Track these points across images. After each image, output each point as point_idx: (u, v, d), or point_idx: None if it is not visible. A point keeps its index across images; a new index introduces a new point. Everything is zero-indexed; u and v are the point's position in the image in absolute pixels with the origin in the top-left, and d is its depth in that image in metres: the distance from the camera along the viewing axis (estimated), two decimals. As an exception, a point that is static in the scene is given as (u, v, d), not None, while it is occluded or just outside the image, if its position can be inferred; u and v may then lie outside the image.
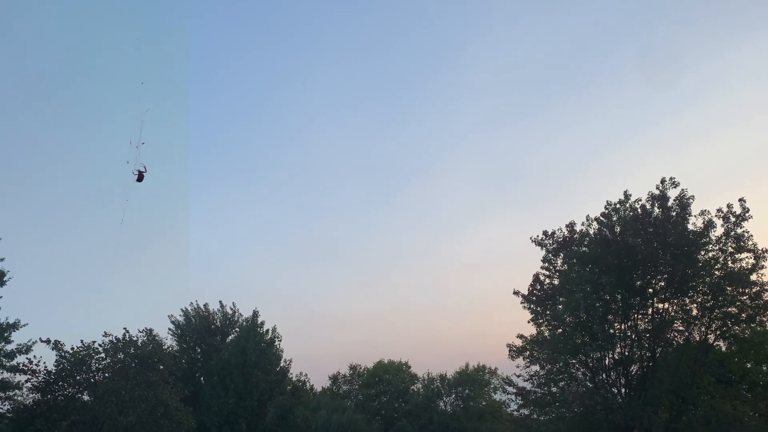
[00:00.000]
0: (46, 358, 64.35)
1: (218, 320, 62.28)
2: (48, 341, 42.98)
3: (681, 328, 36.87)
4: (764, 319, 35.27)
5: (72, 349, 43.84)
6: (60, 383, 42.96)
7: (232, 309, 62.89)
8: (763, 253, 34.77)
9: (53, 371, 42.76)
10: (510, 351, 41.14)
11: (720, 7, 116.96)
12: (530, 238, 39.80)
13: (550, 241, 39.24)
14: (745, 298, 35.09)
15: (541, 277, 39.86)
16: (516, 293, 40.35)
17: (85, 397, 43.71)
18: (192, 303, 62.11)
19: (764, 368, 41.98)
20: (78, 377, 43.58)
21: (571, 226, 38.60)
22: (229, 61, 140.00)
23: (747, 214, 35.07)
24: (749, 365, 41.84)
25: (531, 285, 39.98)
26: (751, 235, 35.01)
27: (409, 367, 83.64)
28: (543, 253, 39.61)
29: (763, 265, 34.78)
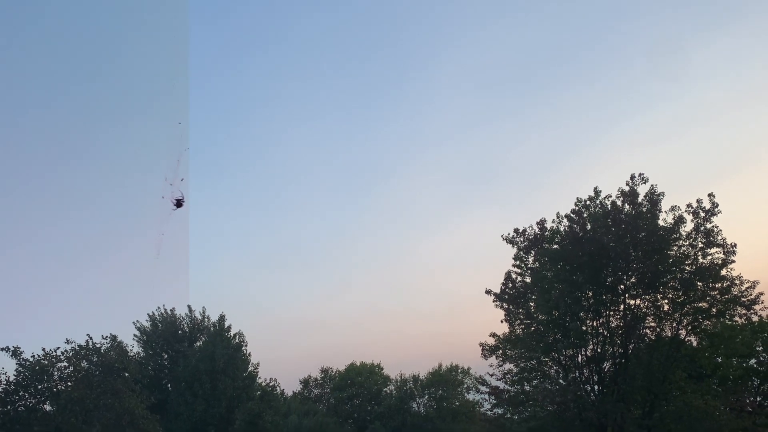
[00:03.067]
0: (6, 368, 62.33)
1: (185, 325, 61.02)
2: (6, 349, 41.45)
3: (653, 324, 37.00)
4: (734, 313, 35.50)
5: (33, 357, 42.38)
6: (20, 393, 41.41)
7: (201, 314, 61.70)
8: (732, 247, 34.95)
9: (13, 381, 41.24)
10: (483, 350, 40.83)
11: (685, 5, 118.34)
12: (501, 236, 39.55)
13: (522, 239, 38.98)
14: (715, 293, 35.28)
15: (513, 275, 39.61)
16: (488, 292, 40.06)
17: (48, 408, 42.20)
18: (158, 308, 60.76)
19: (734, 362, 42.41)
20: (40, 386, 42.08)
21: (541, 223, 38.41)
22: (207, 69, 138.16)
23: (716, 209, 35.20)
24: (720, 360, 42.25)
25: (503, 283, 39.68)
26: (720, 230, 35.20)
27: (382, 369, 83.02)
28: (514, 251, 39.35)
29: (733, 260, 34.98)
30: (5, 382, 40.88)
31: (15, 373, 41.47)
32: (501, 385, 40.49)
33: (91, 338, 44.85)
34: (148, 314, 60.16)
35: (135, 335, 59.10)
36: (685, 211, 35.58)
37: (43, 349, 42.99)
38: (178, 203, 28.74)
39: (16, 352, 41.68)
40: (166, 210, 28.58)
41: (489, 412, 45.43)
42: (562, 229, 37.69)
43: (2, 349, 41.24)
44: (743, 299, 34.79)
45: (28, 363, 41.83)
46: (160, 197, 28.24)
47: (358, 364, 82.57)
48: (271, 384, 62.81)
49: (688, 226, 35.55)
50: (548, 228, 38.21)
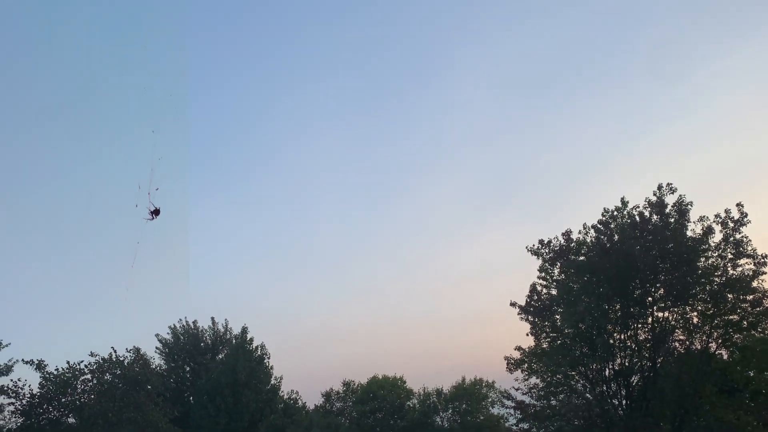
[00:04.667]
0: (30, 380, 62.78)
1: (208, 338, 61.01)
2: (31, 362, 41.70)
3: (682, 337, 36.20)
4: (766, 326, 34.62)
5: (57, 370, 42.57)
6: (45, 406, 41.64)
7: (223, 326, 61.66)
8: (763, 258, 34.16)
9: (37, 393, 41.44)
10: (508, 364, 40.26)
11: (716, 9, 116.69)
12: (526, 247, 39.08)
13: (547, 251, 38.47)
14: (746, 305, 34.43)
15: (538, 288, 39.06)
16: (513, 304, 39.56)
17: (71, 420, 42.41)
18: (180, 320, 60.82)
19: (767, 376, 41.32)
20: (63, 399, 42.27)
21: (567, 234, 37.86)
22: (220, 72, 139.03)
23: (745, 219, 34.46)
24: (752, 374, 41.14)
25: (528, 296, 39.18)
26: (750, 241, 34.46)
27: (405, 382, 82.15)
28: (539, 262, 38.83)
29: (764, 271, 34.16)
30: (29, 395, 41.11)
31: (39, 386, 41.74)
32: (526, 399, 39.81)
33: (114, 351, 45.12)
34: (170, 327, 60.30)
35: (157, 348, 59.28)
36: (714, 221, 34.87)
37: (68, 363, 43.26)
38: (155, 212, 28.70)
39: (40, 365, 41.97)
40: (141, 220, 28.44)
41: (514, 427, 44.64)
42: (588, 240, 37.11)
43: (27, 363, 41.52)
44: (776, 312, 33.93)
45: (51, 376, 42.07)
46: (142, 207, 28.19)
47: (381, 377, 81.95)
48: (293, 397, 62.57)
49: (717, 236, 34.85)
50: (574, 239, 37.64)
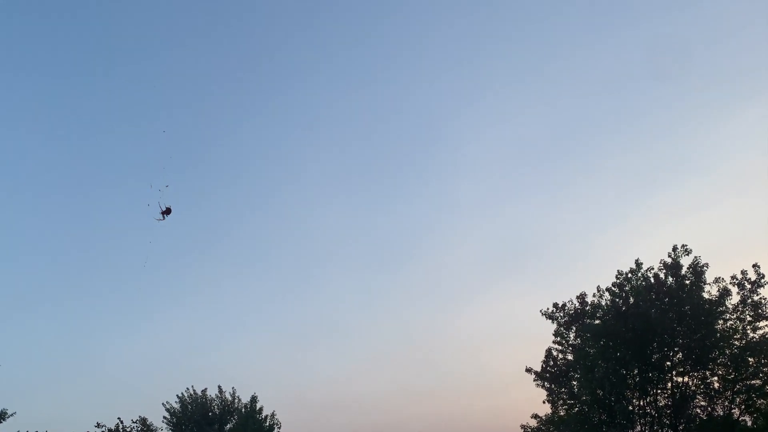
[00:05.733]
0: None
1: (216, 407, 59.81)
2: (38, 434, 40.95)
3: (703, 403, 35.24)
4: (789, 391, 33.78)
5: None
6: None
7: (231, 395, 60.53)
8: (783, 320, 33.63)
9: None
10: (524, 432, 39.18)
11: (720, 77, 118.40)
12: (540, 311, 38.68)
13: (561, 314, 38.04)
14: (768, 369, 33.75)
15: (554, 352, 38.44)
16: (528, 370, 38.84)
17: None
18: (188, 388, 59.76)
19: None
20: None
21: (582, 297, 37.48)
22: (227, 139, 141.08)
23: (762, 281, 34.06)
24: (777, 440, 39.96)
25: (544, 361, 38.49)
26: (768, 302, 33.95)
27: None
28: (554, 326, 38.33)
29: (785, 334, 33.56)
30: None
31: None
32: (545, 469, 38.59)
33: (121, 422, 44.28)
34: (178, 395, 59.18)
35: (165, 417, 58.00)
36: (730, 282, 34.51)
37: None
38: (167, 211, 28.66)
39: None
40: (152, 219, 28.42)
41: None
42: (603, 303, 36.69)
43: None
44: (799, 376, 33.19)
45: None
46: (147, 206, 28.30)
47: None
48: (302, 469, 60.90)
49: (734, 298, 34.43)
50: (589, 302, 37.23)
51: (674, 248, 35.48)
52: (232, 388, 60.62)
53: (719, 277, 34.67)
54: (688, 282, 34.90)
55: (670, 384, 35.55)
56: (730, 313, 34.50)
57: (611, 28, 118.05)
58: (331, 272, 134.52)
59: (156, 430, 46.00)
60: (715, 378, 35.09)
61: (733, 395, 34.61)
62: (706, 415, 35.18)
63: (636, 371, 35.81)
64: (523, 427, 39.46)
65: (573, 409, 37.62)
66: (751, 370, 34.00)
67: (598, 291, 37.12)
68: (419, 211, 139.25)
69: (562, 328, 38.16)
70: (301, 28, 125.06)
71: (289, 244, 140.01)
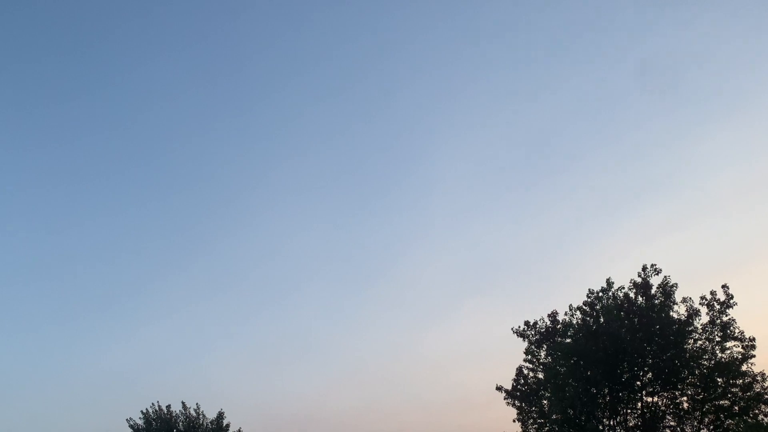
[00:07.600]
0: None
1: (181, 423, 58.49)
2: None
3: (673, 423, 35.22)
4: (758, 411, 33.89)
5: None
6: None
7: (195, 411, 59.26)
8: (751, 341, 33.79)
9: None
10: (494, 452, 38.89)
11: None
12: (511, 328, 38.39)
13: (533, 332, 37.82)
14: (736, 389, 33.83)
15: (525, 371, 38.19)
16: (499, 389, 38.51)
17: None
18: (153, 404, 58.36)
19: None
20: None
21: (553, 315, 37.35)
22: (204, 162, 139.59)
23: (731, 301, 34.25)
24: (745, 461, 40.09)
25: (514, 379, 38.20)
26: (736, 322, 34.12)
27: (385, 470, 79.54)
28: (526, 344, 38.09)
29: (753, 354, 33.72)
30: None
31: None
32: (514, 489, 38.29)
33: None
34: (142, 411, 57.77)
35: (128, 435, 56.60)
36: (700, 302, 34.68)
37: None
38: None
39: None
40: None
41: None
42: (575, 321, 36.60)
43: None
44: (767, 396, 33.31)
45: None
46: None
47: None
48: (269, 487, 59.77)
49: (704, 318, 34.58)
50: (560, 321, 37.12)
51: (644, 268, 35.57)
52: (197, 404, 59.38)
53: (687, 297, 34.88)
54: (657, 302, 34.96)
55: (640, 404, 35.48)
56: (699, 334, 34.62)
57: (578, 58, 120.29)
58: (301, 290, 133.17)
59: (118, 447, 44.57)
60: (685, 398, 35.09)
61: (702, 415, 34.62)
62: (675, 435, 35.20)
63: (606, 390, 35.70)
64: (493, 446, 39.15)
65: (543, 428, 37.34)
66: (719, 390, 34.10)
67: (570, 309, 37.05)
68: (390, 229, 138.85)
69: (533, 347, 37.94)
70: (263, 48, 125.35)
71: (259, 263, 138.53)
